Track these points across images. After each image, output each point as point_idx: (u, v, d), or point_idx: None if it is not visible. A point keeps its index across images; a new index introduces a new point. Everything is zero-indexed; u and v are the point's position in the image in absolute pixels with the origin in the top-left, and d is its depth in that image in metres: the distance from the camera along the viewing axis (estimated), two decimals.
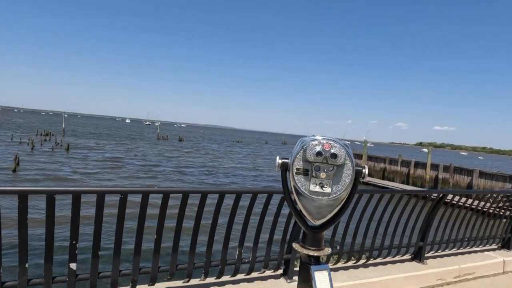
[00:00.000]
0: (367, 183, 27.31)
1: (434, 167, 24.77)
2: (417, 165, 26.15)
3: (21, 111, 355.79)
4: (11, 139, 40.27)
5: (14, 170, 20.21)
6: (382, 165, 29.24)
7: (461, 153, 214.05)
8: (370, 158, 30.75)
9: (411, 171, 26.32)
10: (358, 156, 32.18)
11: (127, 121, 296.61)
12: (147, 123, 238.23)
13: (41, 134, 50.98)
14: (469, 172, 22.49)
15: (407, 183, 26.48)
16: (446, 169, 23.83)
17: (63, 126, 59.96)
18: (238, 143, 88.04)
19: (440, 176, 24.11)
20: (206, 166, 31.23)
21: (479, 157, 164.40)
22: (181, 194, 2.54)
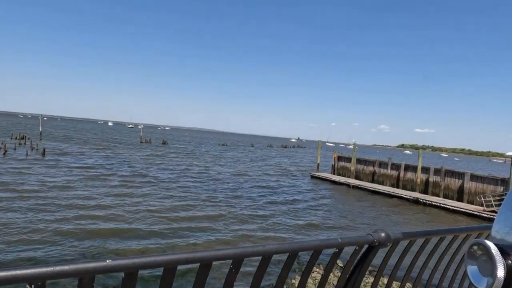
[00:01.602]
0: (357, 187, 26.73)
1: (425, 170, 24.38)
2: (407, 168, 25.73)
3: None
4: None
5: None
6: (371, 168, 28.74)
7: (442, 154, 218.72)
8: (359, 161, 30.24)
9: (401, 174, 25.89)
10: (347, 160, 31.66)
11: (110, 124, 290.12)
12: (130, 126, 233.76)
13: (16, 138, 48.48)
14: (460, 175, 22.15)
15: (397, 187, 26.02)
16: (437, 172, 23.45)
17: (40, 129, 57.37)
18: (224, 145, 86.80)
19: (431, 180, 23.71)
20: (232, 178, 30.00)
21: (455, 158, 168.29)
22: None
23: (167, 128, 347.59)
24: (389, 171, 26.94)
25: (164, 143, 71.60)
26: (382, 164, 27.86)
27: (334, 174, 32.67)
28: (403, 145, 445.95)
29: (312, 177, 32.83)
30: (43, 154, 31.63)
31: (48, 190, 16.81)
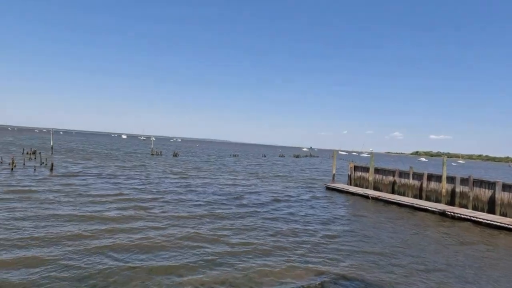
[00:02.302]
0: (376, 199, 25.10)
1: (450, 179, 22.64)
2: (431, 177, 24.00)
3: (15, 129, 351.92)
4: None
5: None
6: (391, 178, 27.07)
7: (459, 161, 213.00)
8: (377, 170, 28.60)
9: (424, 185, 24.16)
10: (365, 169, 30.05)
11: (123, 136, 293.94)
12: (143, 138, 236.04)
13: (27, 153, 48.42)
14: (491, 185, 20.36)
15: (420, 198, 24.30)
16: (464, 181, 21.69)
17: (51, 143, 57.40)
18: (235, 156, 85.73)
19: (457, 190, 21.94)
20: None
21: (472, 165, 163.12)
22: None
23: (178, 140, 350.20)
24: (410, 181, 25.24)
25: (174, 155, 71.01)
26: (403, 174, 26.19)
27: (350, 185, 31.07)
28: (417, 152, 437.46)
29: (328, 188, 31.28)
30: (51, 169, 31.03)
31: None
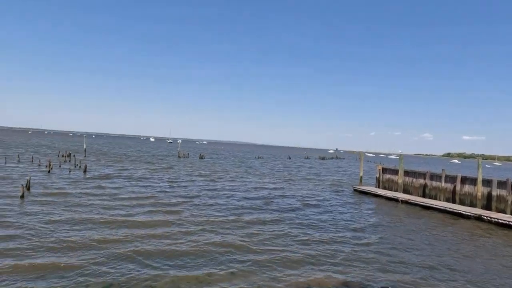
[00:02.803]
0: (407, 202, 24.37)
1: (486, 182, 21.60)
2: (465, 180, 23.00)
3: (51, 133, 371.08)
4: (32, 161, 39.89)
5: (22, 196, 18.82)
6: (421, 181, 26.18)
7: (495, 163, 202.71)
8: (407, 173, 27.76)
9: (458, 188, 23.19)
10: (393, 172, 29.25)
11: (151, 139, 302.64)
12: (170, 141, 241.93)
13: (62, 156, 50.77)
14: None
15: (453, 202, 23.34)
16: (502, 185, 20.63)
17: (85, 146, 59.89)
18: (260, 158, 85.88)
19: (494, 193, 20.89)
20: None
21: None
22: None
23: (204, 142, 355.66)
24: (443, 184, 24.30)
25: (201, 157, 72.11)
26: (434, 176, 25.26)
27: (379, 187, 30.34)
28: (449, 154, 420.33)
29: (355, 191, 30.70)
30: (85, 171, 32.36)
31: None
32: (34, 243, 11.13)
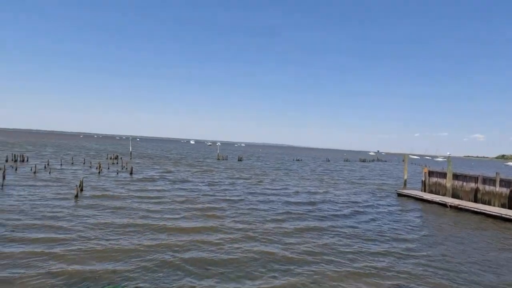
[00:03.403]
0: (456, 207, 22.98)
1: None
2: None
3: (100, 136, 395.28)
4: (83, 163, 42.69)
5: (76, 196, 20.22)
6: (472, 184, 24.56)
7: None
8: (456, 176, 26.16)
9: None
10: (441, 175, 27.70)
11: (191, 142, 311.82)
12: (209, 143, 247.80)
13: (110, 158, 53.79)
14: None
15: (510, 207, 21.64)
16: None
17: (130, 149, 62.98)
18: (299, 161, 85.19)
19: None
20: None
21: None
22: None
23: (242, 145, 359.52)
24: (497, 189, 22.63)
25: (239, 159, 72.98)
26: (487, 180, 23.59)
27: (425, 191, 28.89)
28: (503, 156, 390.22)
29: (399, 195, 29.47)
30: (131, 173, 34.03)
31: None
32: (82, 246, 11.64)
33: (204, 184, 29.44)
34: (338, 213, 20.33)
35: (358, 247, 13.41)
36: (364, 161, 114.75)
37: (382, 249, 13.28)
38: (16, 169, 31.26)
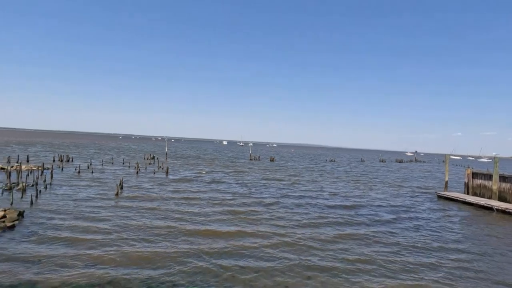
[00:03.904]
0: (504, 211, 21.53)
1: None
2: None
3: (137, 137, 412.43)
4: (123, 163, 44.63)
5: (117, 194, 21.16)
6: None
7: None
8: (503, 178, 24.50)
9: None
10: (486, 176, 26.06)
11: (224, 143, 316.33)
12: (241, 144, 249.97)
13: (147, 158, 55.80)
14: None
15: None
16: None
17: (166, 150, 65.00)
18: (333, 161, 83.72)
19: None
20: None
21: None
22: None
23: (274, 145, 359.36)
24: None
25: (271, 160, 72.96)
26: None
27: (468, 194, 27.32)
28: None
29: (440, 197, 28.10)
30: (167, 173, 35.09)
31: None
32: (119, 248, 11.99)
33: (238, 185, 29.55)
34: (377, 218, 19.32)
35: (402, 257, 12.45)
36: (401, 161, 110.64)
37: (430, 261, 12.11)
38: (62, 169, 33.24)
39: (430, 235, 16.03)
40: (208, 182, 30.17)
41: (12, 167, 30.16)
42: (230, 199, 22.19)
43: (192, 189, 25.52)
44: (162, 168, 39.65)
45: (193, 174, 35.84)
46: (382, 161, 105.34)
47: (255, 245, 12.88)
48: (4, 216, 14.27)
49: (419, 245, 14.18)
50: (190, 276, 9.62)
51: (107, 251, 11.20)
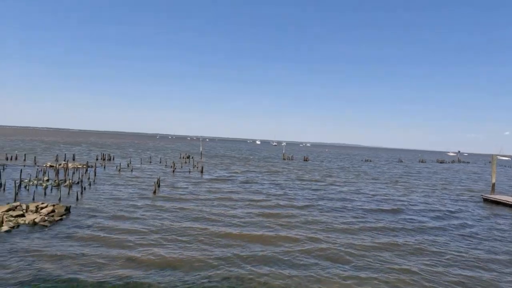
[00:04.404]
0: None
1: None
2: None
3: (174, 137, 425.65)
4: (160, 162, 46.13)
5: (154, 192, 21.87)
6: None
7: None
8: None
9: None
10: None
11: (257, 142, 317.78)
12: (274, 144, 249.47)
13: (182, 157, 57.27)
14: None
15: None
16: None
17: (201, 149, 66.34)
18: (369, 161, 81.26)
19: None
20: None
21: None
22: None
23: (308, 145, 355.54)
24: None
25: (305, 160, 72.17)
26: None
27: None
28: None
29: (486, 200, 26.33)
30: (201, 171, 35.76)
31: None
32: (153, 250, 12.27)
33: (272, 186, 29.22)
34: (420, 224, 18.03)
35: (453, 271, 11.35)
36: (442, 162, 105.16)
37: (487, 277, 10.98)
38: (104, 167, 34.93)
39: (483, 246, 14.67)
40: (242, 182, 30.31)
41: (60, 165, 32.18)
42: (263, 200, 22.03)
43: (226, 189, 25.70)
44: (197, 167, 40.48)
45: (227, 174, 36.22)
46: (422, 162, 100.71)
47: (288, 249, 12.53)
48: (53, 211, 15.22)
49: (465, 255, 13.06)
50: (221, 281, 9.50)
51: (142, 252, 11.30)
